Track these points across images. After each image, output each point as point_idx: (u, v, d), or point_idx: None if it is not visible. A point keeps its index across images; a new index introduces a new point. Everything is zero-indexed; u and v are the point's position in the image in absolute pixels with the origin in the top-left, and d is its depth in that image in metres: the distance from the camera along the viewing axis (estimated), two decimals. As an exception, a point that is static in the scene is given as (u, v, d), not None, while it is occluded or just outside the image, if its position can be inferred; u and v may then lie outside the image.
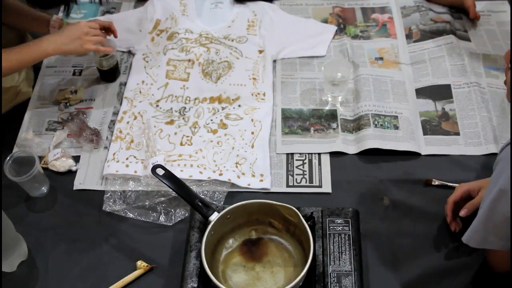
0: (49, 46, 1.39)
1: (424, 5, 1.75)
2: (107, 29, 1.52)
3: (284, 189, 1.35)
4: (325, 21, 1.73)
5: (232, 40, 1.67)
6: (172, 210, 1.30)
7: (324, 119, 1.48)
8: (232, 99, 1.53)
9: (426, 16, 1.72)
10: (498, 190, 0.94)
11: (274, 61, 1.63)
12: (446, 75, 1.55)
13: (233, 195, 1.33)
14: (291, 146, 1.43)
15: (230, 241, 1.21)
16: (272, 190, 1.35)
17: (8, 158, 1.29)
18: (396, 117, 1.46)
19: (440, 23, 1.69)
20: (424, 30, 1.68)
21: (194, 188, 1.29)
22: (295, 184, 1.36)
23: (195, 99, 1.53)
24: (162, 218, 1.29)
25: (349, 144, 1.43)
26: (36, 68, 1.62)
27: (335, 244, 1.16)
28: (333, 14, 1.75)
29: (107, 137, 1.46)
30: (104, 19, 1.68)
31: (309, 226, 1.13)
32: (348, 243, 1.16)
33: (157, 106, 1.52)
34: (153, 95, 1.54)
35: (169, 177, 1.20)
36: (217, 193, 1.33)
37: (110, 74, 1.57)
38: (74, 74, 1.62)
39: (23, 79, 1.54)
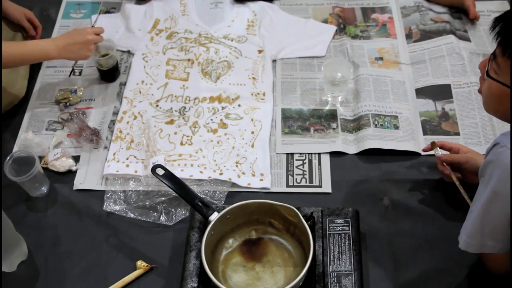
0: (53, 51, 1.40)
1: (424, 5, 1.75)
2: None
3: (284, 189, 1.35)
4: (325, 21, 1.73)
5: (232, 40, 1.67)
6: (173, 210, 1.30)
7: (324, 119, 1.48)
8: (232, 99, 1.53)
9: (426, 16, 1.72)
10: (491, 191, 0.94)
11: (274, 61, 1.63)
12: (446, 75, 1.55)
13: (233, 195, 1.33)
14: (291, 146, 1.43)
15: (230, 241, 1.21)
16: (272, 190, 1.35)
17: (8, 158, 1.29)
18: (396, 117, 1.46)
19: (440, 23, 1.69)
20: (424, 30, 1.68)
21: (194, 187, 1.30)
22: (295, 184, 1.36)
23: (195, 98, 1.53)
24: (162, 218, 1.29)
25: (349, 144, 1.43)
26: (36, 67, 1.62)
27: (335, 244, 1.16)
28: (333, 14, 1.75)
29: (107, 137, 1.46)
30: (104, 19, 1.69)
31: (309, 226, 1.13)
32: (348, 243, 1.17)
33: (157, 106, 1.52)
34: (152, 95, 1.54)
35: (169, 177, 1.20)
36: (217, 192, 1.33)
37: (109, 74, 1.57)
38: (74, 74, 1.62)
39: (18, 76, 1.54)
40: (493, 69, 0.96)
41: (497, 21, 0.95)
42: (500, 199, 0.93)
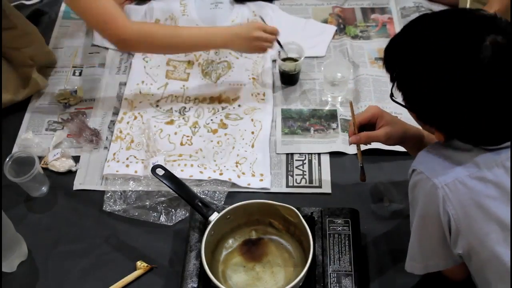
0: (219, 40, 1.39)
1: (423, 5, 1.75)
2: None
3: (284, 189, 1.35)
4: (325, 21, 1.73)
5: (232, 40, 1.67)
6: (173, 210, 1.30)
7: (324, 119, 1.48)
8: (232, 99, 1.53)
9: (426, 16, 1.71)
10: (418, 217, 0.96)
11: (274, 61, 1.63)
12: (446, 75, 1.55)
13: (233, 195, 1.33)
14: (291, 146, 1.43)
15: (230, 241, 1.21)
16: (272, 190, 1.35)
17: (8, 158, 1.29)
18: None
19: (440, 23, 1.69)
20: (424, 30, 1.68)
21: (194, 188, 1.29)
22: (295, 184, 1.36)
23: (195, 99, 1.54)
24: (162, 218, 1.29)
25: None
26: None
27: (335, 244, 1.16)
28: (333, 14, 1.75)
29: (107, 137, 1.46)
30: None
31: (309, 226, 1.13)
32: (348, 243, 1.17)
33: (157, 106, 1.52)
34: (153, 95, 1.54)
35: (169, 177, 1.20)
36: (217, 193, 1.33)
37: (292, 78, 1.55)
38: (74, 74, 1.62)
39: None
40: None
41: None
42: (428, 222, 0.94)
